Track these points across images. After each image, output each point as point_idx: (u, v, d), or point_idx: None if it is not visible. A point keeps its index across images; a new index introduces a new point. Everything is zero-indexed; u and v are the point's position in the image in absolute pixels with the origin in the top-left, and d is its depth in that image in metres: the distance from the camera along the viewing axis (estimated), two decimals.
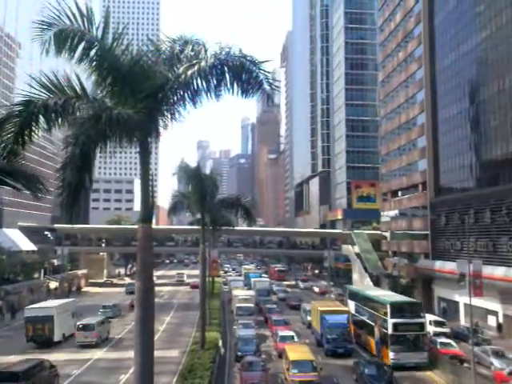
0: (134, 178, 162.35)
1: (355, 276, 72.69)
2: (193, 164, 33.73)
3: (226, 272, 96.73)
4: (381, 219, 75.45)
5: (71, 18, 11.14)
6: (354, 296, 40.33)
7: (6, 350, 33.94)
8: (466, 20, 47.97)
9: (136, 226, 12.57)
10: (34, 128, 11.12)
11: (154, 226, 13.14)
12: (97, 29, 11.38)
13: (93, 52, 11.45)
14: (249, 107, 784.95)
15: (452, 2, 51.23)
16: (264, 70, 11.86)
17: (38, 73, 12.83)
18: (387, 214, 72.04)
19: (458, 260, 34.78)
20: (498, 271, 39.55)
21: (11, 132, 11.04)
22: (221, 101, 12.38)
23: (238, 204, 32.75)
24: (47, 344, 35.22)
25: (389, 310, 30.73)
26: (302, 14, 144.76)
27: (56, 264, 73.85)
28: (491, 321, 42.63)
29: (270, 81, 11.96)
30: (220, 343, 31.82)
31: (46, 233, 76.30)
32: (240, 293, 50.01)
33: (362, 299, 37.85)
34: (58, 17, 11.05)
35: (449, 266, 45.29)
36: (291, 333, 34.25)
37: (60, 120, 11.17)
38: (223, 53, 11.62)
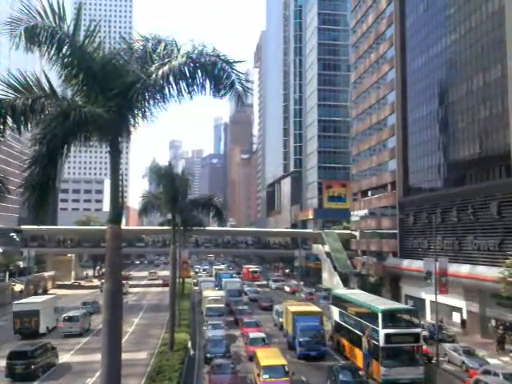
0: (104, 178, 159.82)
1: (325, 275, 73.44)
2: (164, 164, 33.31)
3: (196, 273, 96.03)
4: (351, 219, 76.43)
5: (42, 14, 10.96)
6: (338, 301, 35.99)
7: None
8: (436, 23, 48.97)
9: (105, 227, 12.31)
10: (0, 128, 10.82)
11: (123, 226, 12.93)
12: (68, 26, 11.21)
13: (64, 49, 11.26)
14: (222, 107, 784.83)
15: (423, 5, 52.22)
16: (236, 70, 11.77)
17: (5, 72, 12.50)
18: (357, 214, 73.03)
19: (424, 258, 35.56)
20: (463, 269, 40.55)
21: None
22: (194, 100, 12.29)
23: (209, 204, 32.56)
24: (33, 336, 37.69)
25: (380, 319, 26.76)
26: (276, 14, 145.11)
27: (22, 266, 72.08)
28: (456, 317, 43.66)
29: (243, 81, 11.88)
30: (189, 344, 31.56)
31: (11, 234, 74.36)
32: (210, 293, 49.46)
33: (347, 305, 33.65)
34: (29, 12, 10.88)
35: (416, 265, 46.19)
36: (262, 335, 33.63)
37: (28, 120, 10.92)
38: (196, 51, 11.49)
